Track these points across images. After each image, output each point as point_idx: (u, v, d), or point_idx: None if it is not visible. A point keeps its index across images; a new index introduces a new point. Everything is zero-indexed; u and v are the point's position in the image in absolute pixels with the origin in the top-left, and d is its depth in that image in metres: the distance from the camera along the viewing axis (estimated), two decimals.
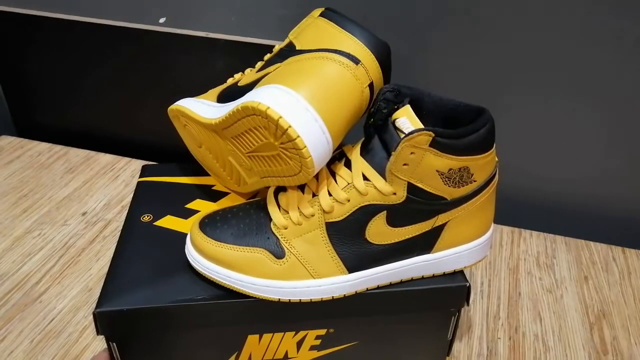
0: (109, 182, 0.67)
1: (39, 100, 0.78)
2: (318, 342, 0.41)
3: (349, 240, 0.36)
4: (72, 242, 0.57)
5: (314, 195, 0.37)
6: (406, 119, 0.35)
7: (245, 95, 0.38)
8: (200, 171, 0.49)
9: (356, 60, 0.36)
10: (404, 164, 0.34)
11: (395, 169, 0.34)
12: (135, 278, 0.39)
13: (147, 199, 0.46)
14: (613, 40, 0.52)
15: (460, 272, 0.39)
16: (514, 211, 0.65)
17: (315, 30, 0.39)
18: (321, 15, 0.39)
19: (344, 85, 0.35)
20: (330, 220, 0.36)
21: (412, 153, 0.34)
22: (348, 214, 0.36)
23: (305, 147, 0.33)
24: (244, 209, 0.40)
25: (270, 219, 0.38)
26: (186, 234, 0.40)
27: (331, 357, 0.42)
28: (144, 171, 0.50)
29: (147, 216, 0.45)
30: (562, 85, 0.56)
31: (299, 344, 0.41)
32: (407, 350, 0.42)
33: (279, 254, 0.37)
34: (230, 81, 0.44)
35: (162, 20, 0.65)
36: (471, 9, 0.54)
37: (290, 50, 0.39)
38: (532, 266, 0.54)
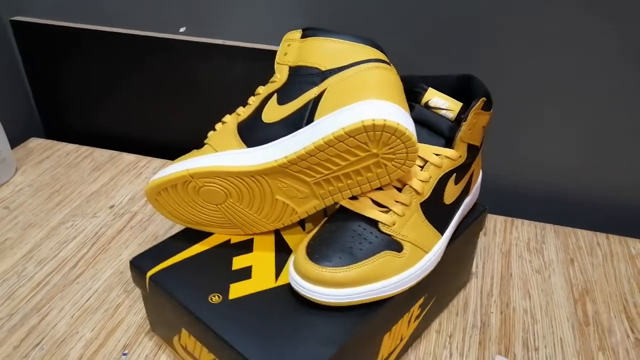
0: (132, 178, 0.72)
1: (65, 105, 0.84)
2: (418, 311, 0.46)
3: (434, 208, 0.43)
4: (103, 232, 0.62)
5: (397, 188, 0.41)
6: (438, 98, 0.43)
7: (323, 121, 0.38)
8: (197, 236, 0.46)
9: (388, 62, 0.42)
10: (469, 129, 0.42)
11: (464, 136, 0.42)
12: (280, 354, 0.37)
13: (185, 285, 0.42)
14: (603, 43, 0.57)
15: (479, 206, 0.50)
16: (508, 202, 0.70)
17: (323, 49, 0.41)
18: (307, 36, 0.42)
19: (400, 85, 0.41)
20: (422, 200, 0.42)
21: (474, 119, 0.42)
22: (432, 188, 0.42)
23: (416, 143, 0.38)
24: (336, 229, 0.40)
25: (375, 223, 0.40)
26: (265, 290, 0.41)
27: (423, 320, 0.48)
28: (142, 266, 0.44)
29: (214, 297, 0.41)
30: (553, 80, 0.61)
31: (409, 322, 0.45)
32: (456, 271, 0.50)
33: (398, 248, 0.40)
34: (225, 127, 0.43)
35: (182, 29, 0.71)
36: (465, 12, 0.59)
37: (316, 74, 0.40)
38: (523, 250, 0.59)
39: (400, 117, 0.37)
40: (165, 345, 0.48)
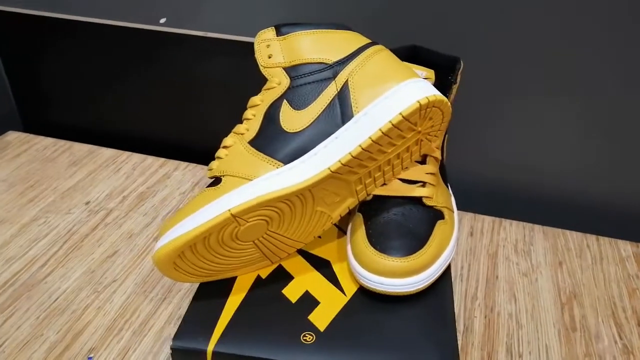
0: (111, 174, 0.70)
1: (45, 98, 0.82)
2: None
3: (441, 169, 0.46)
4: (76, 229, 0.60)
5: (418, 162, 0.42)
6: (416, 69, 0.43)
7: (371, 113, 0.36)
8: (220, 288, 0.41)
9: (378, 42, 0.41)
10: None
11: (453, 98, 0.45)
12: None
13: (263, 341, 0.37)
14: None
15: None
16: (497, 203, 0.68)
17: (320, 43, 0.40)
18: (286, 33, 0.40)
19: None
20: (439, 165, 0.44)
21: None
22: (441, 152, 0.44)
23: (450, 109, 0.39)
24: (386, 218, 0.40)
25: (419, 200, 0.41)
26: (345, 307, 0.39)
27: None
28: (193, 346, 0.37)
29: (307, 336, 0.37)
30: (543, 81, 0.59)
31: None
32: None
33: (442, 216, 0.42)
34: (234, 150, 0.38)
35: (162, 20, 0.69)
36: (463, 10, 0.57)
37: (325, 69, 0.39)
38: (510, 252, 0.57)
39: (435, 89, 0.37)
40: (132, 348, 0.46)
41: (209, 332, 0.37)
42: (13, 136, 0.78)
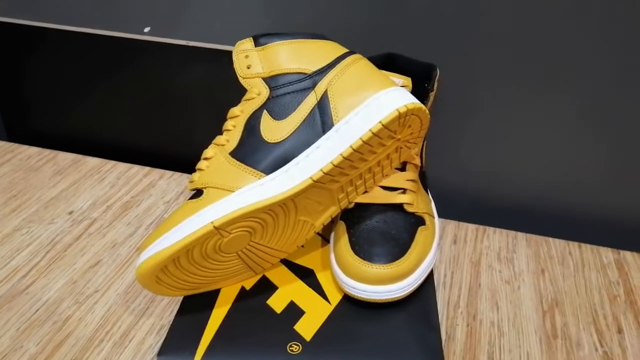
0: (95, 183, 0.70)
1: (28, 107, 0.81)
2: None
3: (421, 175, 0.47)
4: (59, 239, 0.60)
5: (398, 169, 0.42)
6: (394, 77, 0.43)
7: (352, 122, 0.36)
8: (204, 300, 0.41)
9: (355, 51, 0.42)
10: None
11: (431, 105, 0.46)
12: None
13: (250, 353, 0.37)
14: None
15: None
16: (481, 211, 0.68)
17: (299, 53, 0.40)
18: (264, 43, 0.41)
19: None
20: (419, 171, 0.45)
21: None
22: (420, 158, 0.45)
23: (429, 117, 0.40)
24: (369, 226, 0.40)
25: (399, 207, 0.42)
26: (330, 316, 0.39)
27: None
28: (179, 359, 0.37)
29: (293, 346, 0.37)
30: (526, 89, 0.60)
31: None
32: None
33: (423, 222, 0.42)
34: (215, 162, 0.38)
35: (147, 29, 0.69)
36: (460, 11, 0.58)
37: (304, 79, 0.39)
38: (493, 260, 0.58)
39: (413, 97, 0.38)
40: None
41: (194, 345, 0.37)
42: None
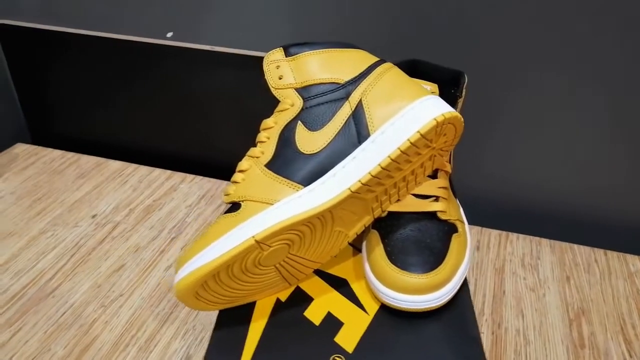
0: (118, 186, 0.70)
1: (53, 110, 0.82)
2: None
3: (450, 182, 0.46)
4: (83, 242, 0.60)
5: (431, 177, 0.43)
6: (423, 84, 0.43)
7: (388, 131, 0.36)
8: (241, 313, 0.40)
9: (386, 60, 0.42)
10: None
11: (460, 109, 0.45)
12: None
13: None
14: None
15: None
16: (504, 216, 0.68)
17: (331, 63, 0.40)
18: (295, 53, 0.41)
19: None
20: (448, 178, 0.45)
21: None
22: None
23: (463, 125, 0.39)
24: (404, 235, 0.40)
25: (433, 214, 0.42)
26: (370, 327, 0.38)
27: None
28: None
29: (337, 358, 0.36)
30: (550, 96, 0.59)
31: None
32: None
33: (456, 229, 0.42)
34: (251, 174, 0.38)
35: (169, 34, 0.70)
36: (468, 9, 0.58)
37: (337, 89, 0.39)
38: (517, 267, 0.57)
39: (448, 105, 0.38)
40: None
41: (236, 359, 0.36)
42: (21, 148, 0.78)
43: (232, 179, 0.39)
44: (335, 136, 0.38)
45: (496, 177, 0.66)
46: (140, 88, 0.75)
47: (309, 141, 0.38)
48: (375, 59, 0.42)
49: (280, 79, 0.40)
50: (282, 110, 0.40)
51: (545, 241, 0.61)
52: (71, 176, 0.72)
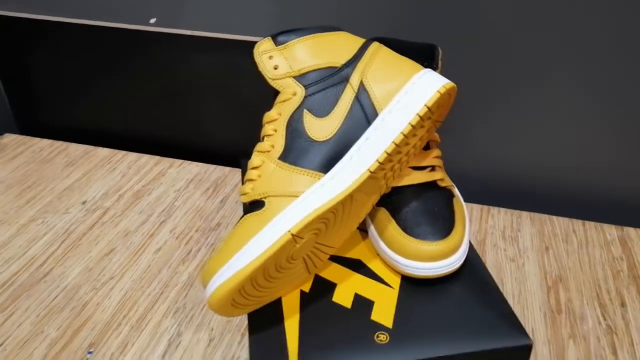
0: (107, 173, 0.71)
1: (39, 101, 0.83)
2: None
3: None
4: (73, 228, 0.61)
5: (425, 148, 0.44)
6: None
7: (395, 109, 0.37)
8: (271, 312, 0.39)
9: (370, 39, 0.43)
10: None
11: None
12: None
13: (337, 348, 0.36)
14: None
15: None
16: (485, 191, 0.69)
17: (324, 48, 0.40)
18: (285, 42, 0.40)
19: None
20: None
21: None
22: None
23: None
24: (415, 206, 0.41)
25: (433, 183, 0.43)
26: (401, 300, 0.39)
27: None
28: None
29: (381, 335, 0.37)
30: (533, 69, 0.60)
31: None
32: None
33: (452, 194, 0.44)
34: (267, 169, 0.37)
35: (152, 20, 0.70)
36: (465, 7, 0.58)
37: (335, 72, 0.39)
38: (498, 239, 0.59)
39: (443, 77, 0.39)
40: (131, 342, 0.47)
41: (282, 356, 0.35)
42: (9, 138, 0.79)
43: (247, 177, 0.38)
44: (344, 120, 0.38)
45: (478, 154, 0.67)
46: (125, 75, 0.76)
47: (319, 128, 0.38)
48: (361, 39, 0.42)
49: (275, 69, 0.40)
50: (284, 101, 0.39)
51: (525, 214, 0.62)
52: (60, 164, 0.73)
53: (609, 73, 0.58)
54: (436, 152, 0.44)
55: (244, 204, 0.39)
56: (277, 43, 0.40)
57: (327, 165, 0.37)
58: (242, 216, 0.38)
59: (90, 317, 0.50)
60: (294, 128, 0.38)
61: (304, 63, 0.40)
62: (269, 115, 0.40)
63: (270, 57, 0.40)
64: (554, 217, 0.62)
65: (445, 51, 0.61)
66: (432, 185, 0.43)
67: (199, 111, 0.76)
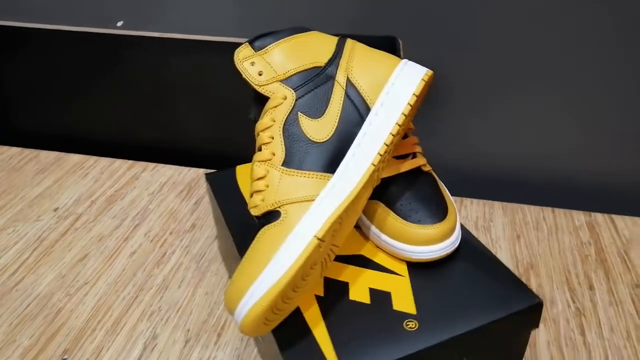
0: (79, 179, 0.70)
1: (8, 108, 0.81)
2: None
3: None
4: (45, 235, 0.61)
5: (406, 135, 0.45)
6: None
7: (387, 101, 0.38)
8: (294, 323, 0.38)
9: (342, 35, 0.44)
10: None
11: None
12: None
13: (372, 345, 0.36)
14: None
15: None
16: (460, 183, 0.70)
17: (304, 49, 0.40)
18: (262, 47, 0.40)
19: None
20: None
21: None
22: None
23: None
24: (409, 194, 0.42)
25: (418, 170, 0.44)
26: (417, 289, 0.39)
27: None
28: None
29: (410, 322, 0.37)
30: (504, 65, 0.61)
31: None
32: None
33: (434, 176, 0.46)
34: (274, 178, 0.37)
35: (119, 23, 0.69)
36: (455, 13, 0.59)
37: (321, 72, 0.40)
38: (471, 229, 0.60)
39: (420, 65, 0.40)
40: (106, 347, 0.47)
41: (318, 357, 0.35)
42: None
43: (253, 189, 0.37)
44: (339, 118, 0.38)
45: (451, 148, 0.68)
46: (95, 79, 0.75)
47: (316, 129, 0.38)
48: (334, 37, 0.43)
49: (260, 75, 0.39)
50: (275, 106, 0.39)
51: (497, 204, 0.63)
52: (31, 172, 0.72)
53: (570, 62, 0.59)
54: (414, 139, 0.45)
55: (255, 217, 0.37)
56: (255, 48, 0.40)
57: (331, 165, 0.37)
58: (258, 230, 0.36)
59: (64, 323, 0.49)
60: (290, 132, 0.38)
61: (287, 66, 0.40)
62: (262, 123, 0.39)
63: (252, 64, 0.40)
64: (525, 206, 0.63)
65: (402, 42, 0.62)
66: (417, 171, 0.44)
67: (171, 113, 0.75)
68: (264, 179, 0.37)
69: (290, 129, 0.38)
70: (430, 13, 0.60)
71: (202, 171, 0.71)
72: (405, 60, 0.41)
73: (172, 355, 0.46)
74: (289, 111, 0.38)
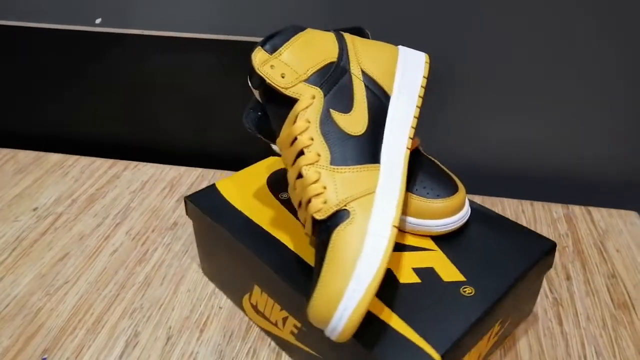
0: (58, 178, 0.70)
1: None
2: (497, 328, 0.43)
3: None
4: (24, 235, 0.60)
5: None
6: None
7: (402, 85, 0.41)
8: None
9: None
10: None
11: None
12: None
13: (446, 319, 0.37)
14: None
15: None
16: None
17: (314, 48, 0.41)
18: (274, 49, 0.40)
19: None
20: None
21: None
22: None
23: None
24: (419, 170, 0.44)
25: (417, 150, 0.46)
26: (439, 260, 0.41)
27: (499, 339, 0.46)
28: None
29: (467, 288, 0.39)
30: (490, 53, 0.62)
31: (488, 339, 0.44)
32: (526, 301, 0.47)
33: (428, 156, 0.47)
34: (330, 176, 0.37)
35: (98, 20, 0.69)
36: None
37: (336, 67, 0.40)
38: None
39: (412, 49, 0.43)
40: (87, 346, 0.47)
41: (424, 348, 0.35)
42: None
43: (311, 193, 0.37)
44: (368, 109, 0.40)
45: (427, 142, 0.69)
46: (74, 78, 0.74)
47: (351, 123, 0.39)
48: (329, 32, 0.43)
49: (283, 77, 0.39)
50: (306, 107, 0.38)
51: (477, 197, 0.64)
52: (9, 172, 0.71)
53: (545, 50, 0.60)
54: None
55: (319, 221, 0.37)
56: (268, 51, 0.39)
57: (375, 154, 0.38)
58: (325, 234, 0.36)
59: (43, 323, 0.49)
60: (329, 130, 0.38)
61: (305, 65, 0.39)
62: (298, 126, 0.38)
63: (272, 67, 0.39)
64: (504, 199, 0.64)
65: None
66: (417, 152, 0.46)
67: (152, 111, 0.75)
68: (318, 181, 0.37)
69: (326, 127, 0.38)
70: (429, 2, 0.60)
71: (184, 169, 0.71)
72: (399, 47, 0.44)
73: (153, 353, 0.46)
74: (321, 110, 0.38)
